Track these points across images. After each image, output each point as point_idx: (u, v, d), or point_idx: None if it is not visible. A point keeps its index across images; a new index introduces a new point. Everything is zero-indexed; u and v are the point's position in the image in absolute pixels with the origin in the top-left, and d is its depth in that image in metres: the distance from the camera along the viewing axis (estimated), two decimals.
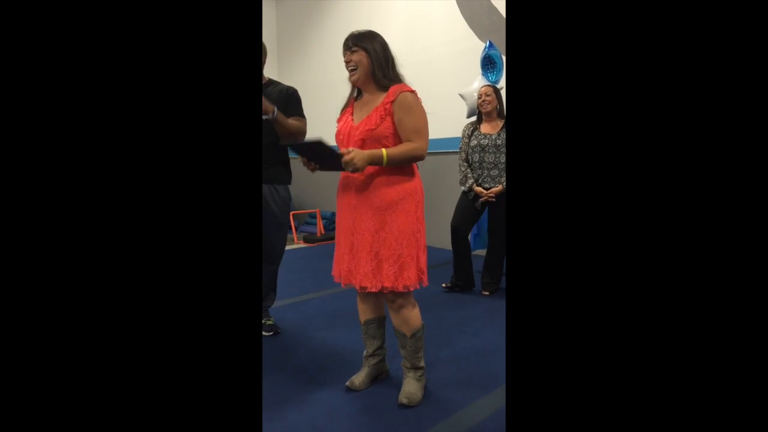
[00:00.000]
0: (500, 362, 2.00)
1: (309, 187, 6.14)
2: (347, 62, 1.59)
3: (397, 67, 1.63)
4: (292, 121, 2.10)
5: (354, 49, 1.57)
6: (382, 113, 1.53)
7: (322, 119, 5.97)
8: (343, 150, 1.49)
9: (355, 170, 1.48)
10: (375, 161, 1.49)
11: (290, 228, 5.61)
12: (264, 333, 2.33)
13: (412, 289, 1.59)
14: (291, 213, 5.60)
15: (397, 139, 1.56)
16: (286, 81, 2.27)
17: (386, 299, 1.64)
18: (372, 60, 1.57)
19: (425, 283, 1.63)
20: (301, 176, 6.48)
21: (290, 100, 2.17)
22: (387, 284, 1.55)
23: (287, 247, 4.84)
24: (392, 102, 1.53)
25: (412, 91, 1.57)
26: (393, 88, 1.56)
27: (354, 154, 1.46)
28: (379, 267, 1.55)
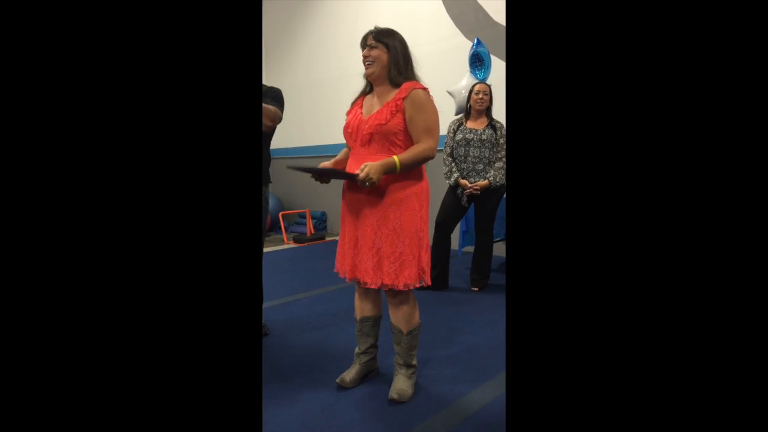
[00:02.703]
0: (491, 357, 2.01)
1: (298, 187, 6.13)
2: (365, 57, 1.58)
3: (414, 68, 1.63)
4: (265, 105, 2.01)
5: (374, 44, 1.57)
6: (393, 109, 1.53)
7: (310, 117, 5.97)
8: (357, 171, 1.48)
9: (372, 185, 1.47)
10: (389, 170, 1.49)
11: (280, 228, 5.60)
12: None
13: (412, 287, 1.59)
14: (281, 213, 5.60)
15: (407, 136, 1.56)
16: (274, 80, 2.26)
17: (387, 295, 1.64)
18: (390, 56, 1.57)
19: (427, 282, 1.63)
20: (291, 176, 6.48)
21: (268, 93, 2.09)
22: (387, 281, 1.55)
23: (277, 248, 4.85)
24: (404, 99, 1.53)
25: (425, 89, 1.56)
26: (405, 85, 1.55)
27: (368, 169, 1.45)
28: (379, 264, 1.56)
